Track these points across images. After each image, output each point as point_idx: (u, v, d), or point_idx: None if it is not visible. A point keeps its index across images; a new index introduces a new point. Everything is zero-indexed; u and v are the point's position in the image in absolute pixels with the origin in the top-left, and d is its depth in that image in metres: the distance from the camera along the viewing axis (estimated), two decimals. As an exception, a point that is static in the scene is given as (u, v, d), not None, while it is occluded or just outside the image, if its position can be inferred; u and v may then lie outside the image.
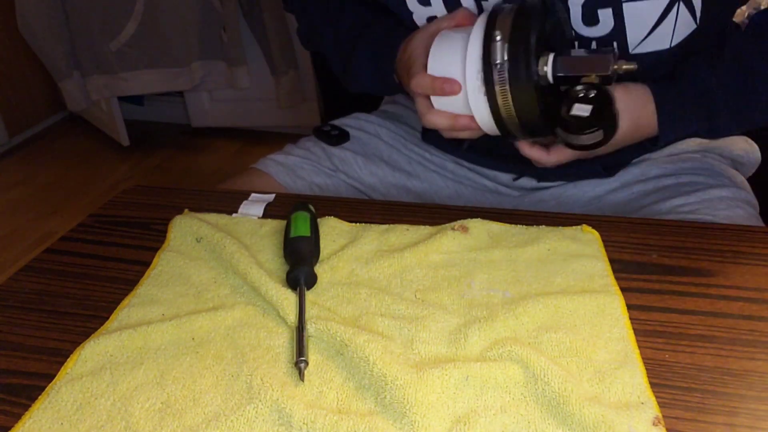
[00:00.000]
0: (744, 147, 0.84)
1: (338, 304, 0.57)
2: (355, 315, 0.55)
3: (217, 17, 2.35)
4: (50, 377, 0.50)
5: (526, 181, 0.85)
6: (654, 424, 0.44)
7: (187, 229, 0.67)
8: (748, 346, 0.50)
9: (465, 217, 0.67)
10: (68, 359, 0.51)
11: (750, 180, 0.83)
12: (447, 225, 0.66)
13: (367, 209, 0.72)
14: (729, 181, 0.77)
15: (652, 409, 0.45)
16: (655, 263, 0.61)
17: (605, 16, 0.66)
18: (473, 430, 0.43)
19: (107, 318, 0.56)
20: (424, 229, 0.67)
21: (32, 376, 0.51)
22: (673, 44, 0.67)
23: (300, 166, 0.88)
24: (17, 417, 0.47)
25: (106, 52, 2.35)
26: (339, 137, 0.91)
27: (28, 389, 0.49)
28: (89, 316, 0.57)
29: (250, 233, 0.67)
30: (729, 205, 0.73)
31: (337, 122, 0.95)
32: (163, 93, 2.65)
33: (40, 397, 0.48)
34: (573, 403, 0.44)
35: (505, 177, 0.86)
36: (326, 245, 0.64)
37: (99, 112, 2.66)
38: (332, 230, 0.67)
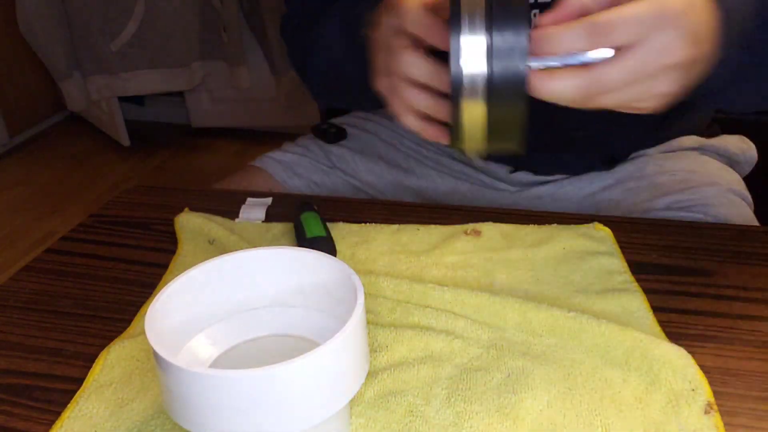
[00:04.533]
0: (740, 146, 0.84)
1: (368, 298, 0.56)
2: (388, 308, 0.55)
3: (218, 17, 2.35)
4: (51, 377, 0.50)
5: (523, 175, 0.85)
6: (705, 412, 0.44)
7: (197, 231, 0.67)
8: (748, 346, 0.50)
9: (466, 217, 0.67)
10: (93, 365, 0.50)
11: (746, 179, 0.82)
12: (459, 228, 0.66)
13: (367, 209, 0.72)
14: (724, 180, 0.77)
15: (703, 396, 0.45)
16: (655, 263, 0.61)
17: None
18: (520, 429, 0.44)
19: (108, 318, 0.56)
20: (435, 229, 0.67)
21: (32, 376, 0.51)
22: None
23: (298, 164, 0.89)
24: (17, 417, 0.47)
25: (107, 52, 2.35)
26: (336, 135, 0.92)
27: (28, 389, 0.49)
28: (89, 316, 0.57)
29: (258, 237, 0.66)
30: (723, 203, 0.73)
31: (335, 121, 0.96)
32: (164, 93, 2.65)
33: (69, 405, 0.47)
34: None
35: (501, 171, 0.86)
36: (338, 244, 0.64)
37: (99, 112, 2.66)
38: (341, 230, 0.67)
